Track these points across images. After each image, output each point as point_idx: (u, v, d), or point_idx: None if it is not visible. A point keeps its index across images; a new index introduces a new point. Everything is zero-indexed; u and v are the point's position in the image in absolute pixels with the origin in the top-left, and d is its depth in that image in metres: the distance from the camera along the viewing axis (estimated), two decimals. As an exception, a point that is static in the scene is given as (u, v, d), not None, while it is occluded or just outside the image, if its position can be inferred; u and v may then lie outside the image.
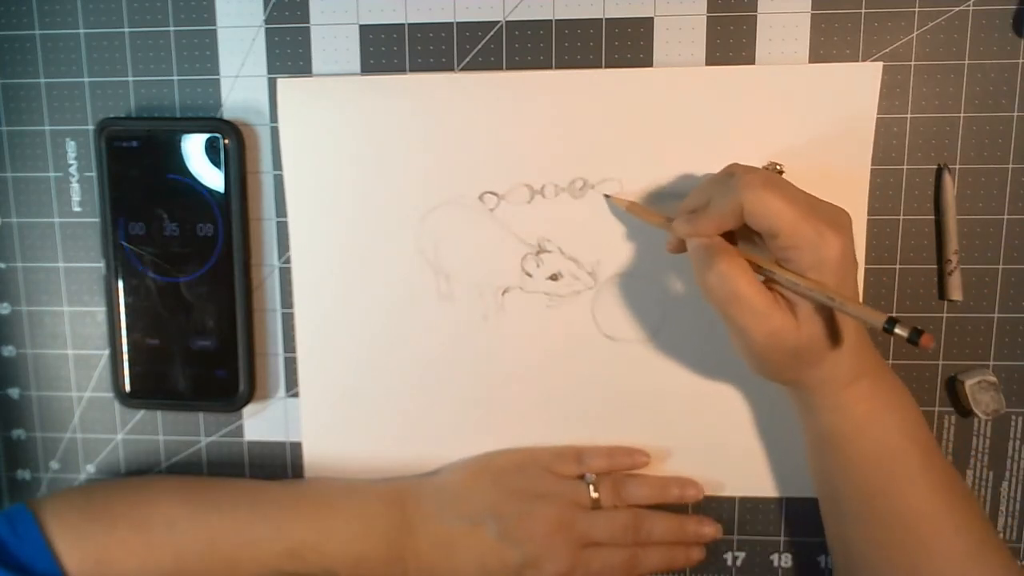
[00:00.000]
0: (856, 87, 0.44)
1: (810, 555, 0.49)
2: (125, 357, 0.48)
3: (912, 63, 0.44)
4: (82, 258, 0.49)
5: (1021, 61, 0.44)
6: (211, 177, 0.46)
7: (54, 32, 0.47)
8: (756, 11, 0.44)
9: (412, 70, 0.46)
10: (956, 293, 0.45)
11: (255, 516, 0.45)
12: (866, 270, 0.46)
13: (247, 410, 0.49)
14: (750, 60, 0.44)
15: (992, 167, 0.45)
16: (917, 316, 0.46)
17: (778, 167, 0.43)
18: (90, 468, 0.51)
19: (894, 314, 0.46)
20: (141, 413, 0.50)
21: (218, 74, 0.47)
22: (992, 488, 0.47)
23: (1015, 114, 0.44)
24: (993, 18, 0.43)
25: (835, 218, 0.37)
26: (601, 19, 0.45)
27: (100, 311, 0.49)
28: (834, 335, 0.38)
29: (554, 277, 0.47)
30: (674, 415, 0.47)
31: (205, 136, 0.46)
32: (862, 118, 0.44)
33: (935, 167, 0.45)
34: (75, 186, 0.49)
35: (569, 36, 0.45)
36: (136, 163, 0.47)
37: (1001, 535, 0.48)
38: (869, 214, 0.45)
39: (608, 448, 0.47)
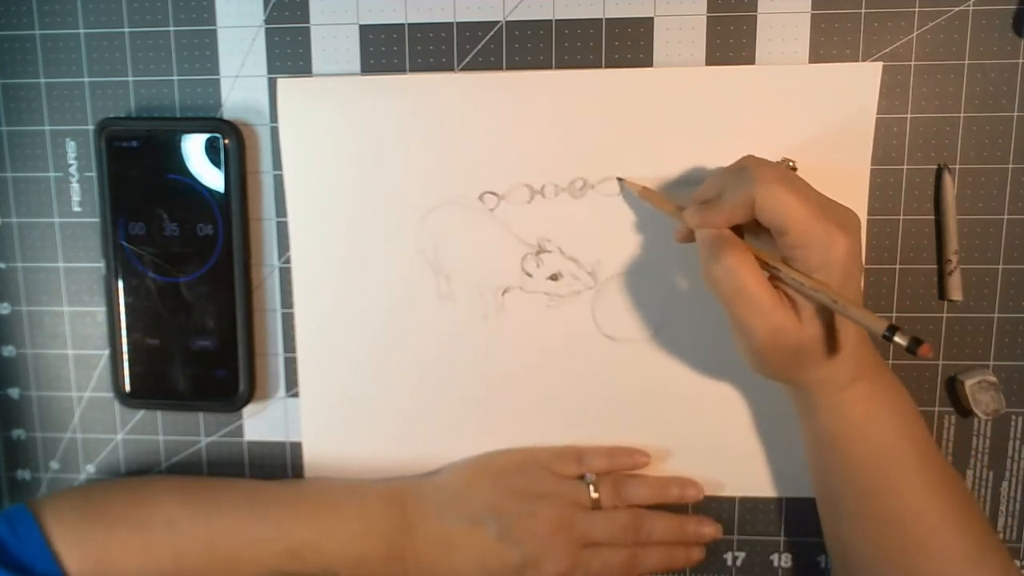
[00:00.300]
0: (856, 87, 0.44)
1: (810, 555, 0.49)
2: (125, 357, 0.48)
3: (912, 63, 0.44)
4: (82, 258, 0.49)
5: (1021, 61, 0.44)
6: (211, 177, 0.46)
7: (54, 32, 0.47)
8: (756, 11, 0.44)
9: (412, 70, 0.46)
10: (956, 293, 0.45)
11: (255, 516, 0.45)
12: (866, 270, 0.46)
13: (247, 410, 0.49)
14: (750, 60, 0.44)
15: (992, 167, 0.45)
16: (917, 316, 0.46)
17: (791, 164, 0.43)
18: (90, 468, 0.51)
19: (894, 322, 0.46)
20: (141, 413, 0.50)
21: (218, 74, 0.47)
22: (992, 488, 0.47)
23: (1015, 114, 0.44)
24: (993, 18, 0.43)
25: (845, 220, 0.37)
26: (601, 19, 0.45)
27: (100, 311, 0.49)
28: (835, 337, 0.38)
29: (554, 277, 0.47)
30: (674, 415, 0.47)
31: (205, 136, 0.46)
32: (862, 118, 0.44)
33: (935, 167, 0.45)
34: (75, 186, 0.49)
35: (569, 36, 0.45)
36: (136, 163, 0.47)
37: (1001, 535, 0.48)
38: (869, 214, 0.45)
39: (608, 448, 0.47)
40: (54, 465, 0.51)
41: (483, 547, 0.44)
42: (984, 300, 0.46)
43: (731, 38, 0.44)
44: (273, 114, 0.47)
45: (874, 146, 0.44)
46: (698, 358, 0.47)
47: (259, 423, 0.50)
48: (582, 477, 0.47)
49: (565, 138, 0.45)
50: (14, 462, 0.52)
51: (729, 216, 0.38)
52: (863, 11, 0.44)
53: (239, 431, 0.50)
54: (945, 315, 0.46)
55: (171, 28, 0.47)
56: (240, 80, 0.47)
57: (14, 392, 0.51)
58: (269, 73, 0.47)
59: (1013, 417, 0.47)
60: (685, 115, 0.44)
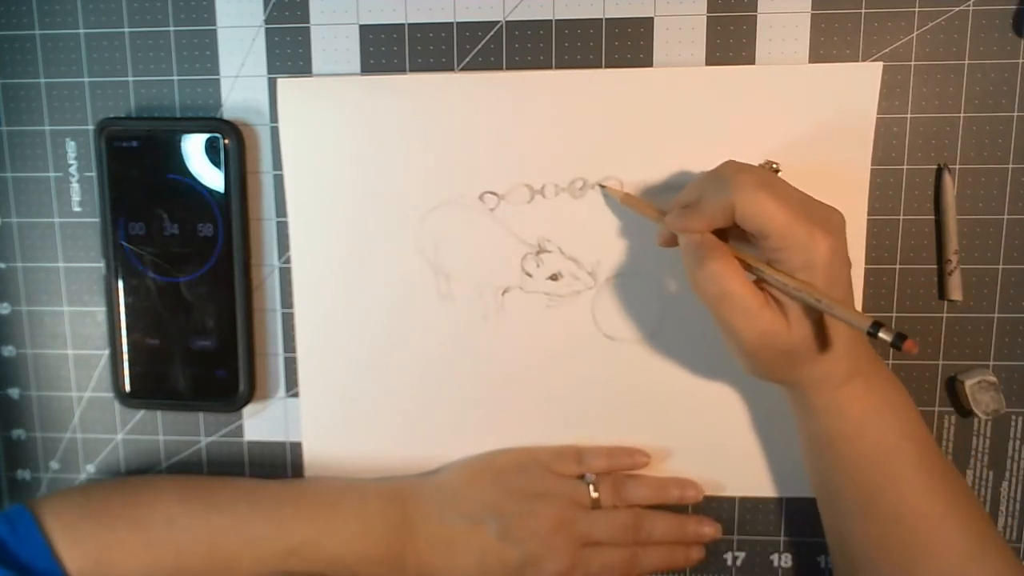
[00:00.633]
0: (856, 87, 0.44)
1: (810, 555, 0.49)
2: (125, 357, 0.48)
3: (912, 63, 0.44)
4: (82, 258, 0.49)
5: (1021, 61, 0.44)
6: (211, 177, 0.46)
7: (54, 32, 0.47)
8: (756, 11, 0.44)
9: (412, 70, 0.46)
10: (956, 293, 0.45)
11: (255, 515, 0.45)
12: (866, 270, 0.46)
13: (247, 410, 0.49)
14: (750, 60, 0.44)
15: (992, 167, 0.45)
16: (917, 316, 0.46)
17: (774, 165, 0.43)
18: (90, 468, 0.51)
19: (895, 322, 0.46)
20: (141, 413, 0.50)
21: (218, 74, 0.47)
22: (992, 488, 0.47)
23: (1015, 114, 0.44)
24: (993, 18, 0.43)
25: (827, 219, 0.37)
26: (601, 19, 0.45)
27: (100, 311, 0.49)
28: (825, 336, 0.38)
29: (554, 277, 0.47)
30: (674, 415, 0.48)
31: (205, 136, 0.46)
32: (862, 118, 0.44)
33: (935, 167, 0.45)
34: (75, 186, 0.49)
35: (569, 36, 0.45)
36: (136, 163, 0.47)
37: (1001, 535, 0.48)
38: (869, 214, 0.45)
39: (608, 448, 0.47)
40: (54, 465, 0.51)
41: (483, 546, 0.44)
42: (984, 300, 0.46)
43: (731, 38, 0.44)
44: (273, 114, 0.47)
45: (874, 146, 0.44)
46: (698, 358, 0.47)
47: (259, 423, 0.50)
48: (582, 477, 0.47)
49: (565, 138, 0.45)
50: (14, 462, 0.52)
51: (709, 221, 0.38)
52: (863, 11, 0.44)
53: (239, 431, 0.50)
54: (945, 315, 0.46)
55: (171, 28, 0.47)
56: (240, 80, 0.47)
57: (14, 392, 0.51)
58: (269, 73, 0.47)
59: (1013, 417, 0.47)
60: (685, 115, 0.44)
